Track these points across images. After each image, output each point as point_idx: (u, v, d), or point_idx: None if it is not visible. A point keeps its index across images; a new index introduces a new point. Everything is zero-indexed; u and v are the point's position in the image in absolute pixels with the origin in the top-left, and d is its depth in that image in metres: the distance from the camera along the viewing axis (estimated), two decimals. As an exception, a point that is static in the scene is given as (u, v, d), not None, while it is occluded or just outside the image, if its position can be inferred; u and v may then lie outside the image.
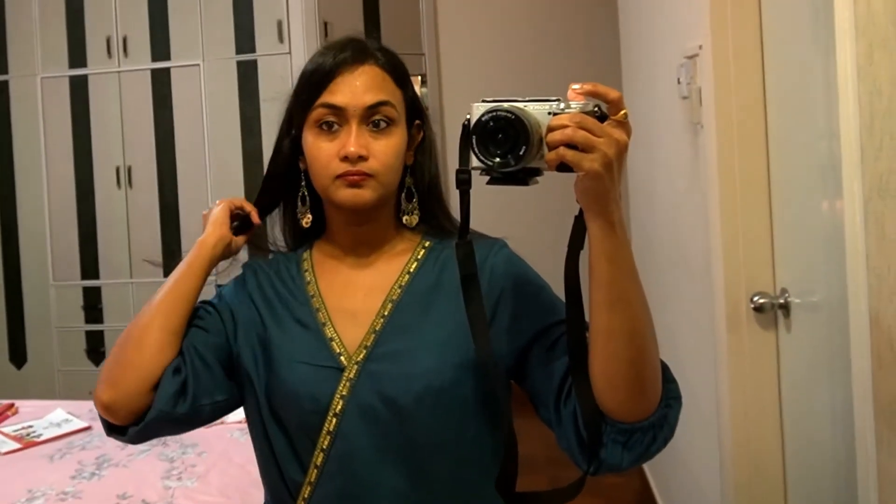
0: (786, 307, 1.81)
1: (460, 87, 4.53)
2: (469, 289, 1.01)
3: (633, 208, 3.43)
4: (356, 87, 1.09)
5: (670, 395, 1.01)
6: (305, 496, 1.09)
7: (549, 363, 1.06)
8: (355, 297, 1.15)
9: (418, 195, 1.18)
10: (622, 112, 0.88)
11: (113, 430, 1.11)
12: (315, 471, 1.08)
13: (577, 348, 0.99)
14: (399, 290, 1.14)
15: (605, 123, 0.87)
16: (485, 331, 1.01)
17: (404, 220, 1.17)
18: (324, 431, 1.07)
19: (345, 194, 1.10)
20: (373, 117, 1.10)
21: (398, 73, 1.15)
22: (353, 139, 1.08)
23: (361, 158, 1.08)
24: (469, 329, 1.04)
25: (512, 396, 1.15)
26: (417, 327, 1.11)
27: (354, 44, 1.14)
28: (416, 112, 1.18)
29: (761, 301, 1.85)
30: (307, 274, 1.19)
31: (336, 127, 1.10)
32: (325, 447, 1.07)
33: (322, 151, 1.10)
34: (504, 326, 1.11)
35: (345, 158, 1.08)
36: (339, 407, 1.07)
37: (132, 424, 1.09)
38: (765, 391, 1.90)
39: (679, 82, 2.25)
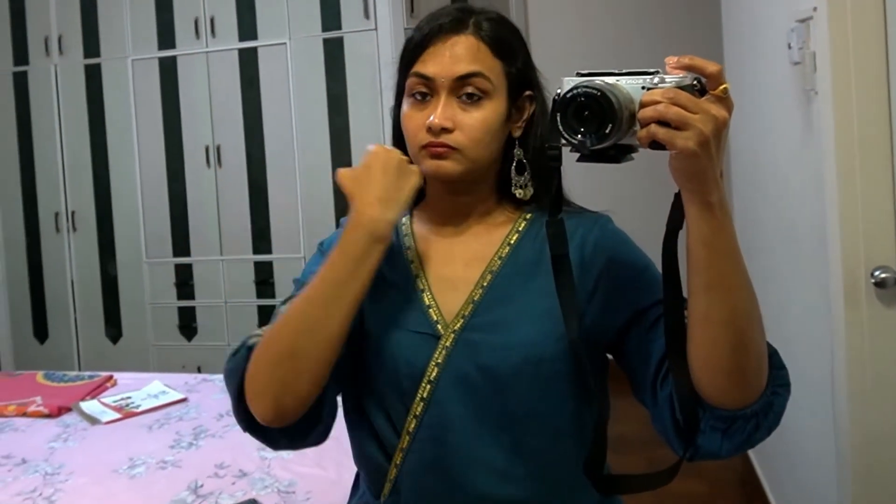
0: (911, 282, 1.71)
1: (550, 61, 4.40)
2: (559, 269, 0.98)
3: (735, 181, 3.31)
4: (446, 58, 1.06)
5: (777, 383, 0.96)
6: (398, 462, 1.07)
7: (648, 344, 1.02)
8: (455, 266, 1.13)
9: (530, 168, 1.14)
10: (722, 86, 0.83)
11: (255, 429, 1.07)
12: (407, 437, 1.07)
13: (675, 333, 0.95)
14: (499, 261, 1.11)
15: (703, 99, 0.82)
16: (574, 313, 0.98)
17: (518, 195, 1.13)
18: (417, 398, 1.06)
19: (428, 165, 1.07)
20: (464, 89, 1.06)
21: (500, 44, 1.09)
22: (438, 110, 1.05)
23: (445, 130, 1.05)
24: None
25: (608, 378, 1.12)
26: (517, 298, 1.08)
27: (456, 12, 1.09)
28: (526, 83, 1.12)
29: (883, 276, 1.76)
30: (407, 239, 1.17)
31: (428, 97, 1.07)
32: (417, 413, 1.06)
33: (412, 121, 1.08)
34: (603, 303, 1.07)
35: (429, 129, 1.05)
36: (434, 374, 1.05)
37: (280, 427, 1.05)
38: (887, 371, 1.80)
39: (790, 47, 2.15)
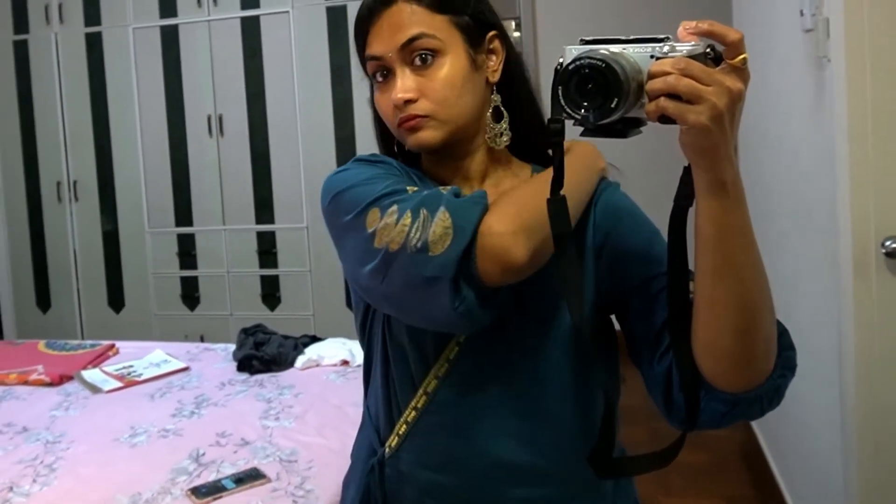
0: (922, 253, 1.69)
1: (557, 30, 4.39)
2: (562, 249, 0.90)
3: (743, 149, 3.27)
4: (385, 32, 1.02)
5: (786, 365, 0.92)
6: (409, 419, 1.06)
7: (650, 314, 0.98)
8: None
9: (511, 112, 1.08)
10: (741, 56, 0.76)
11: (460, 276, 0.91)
12: (425, 397, 1.04)
13: (679, 314, 0.90)
14: None
15: (718, 69, 0.76)
16: (578, 297, 0.91)
17: (491, 144, 1.08)
18: (442, 359, 1.03)
19: (410, 141, 1.04)
20: (413, 55, 1.02)
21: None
22: (397, 84, 1.02)
23: (409, 102, 1.01)
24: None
25: (618, 356, 1.09)
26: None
27: None
28: (483, 28, 1.07)
29: (894, 245, 1.73)
30: (433, 183, 1.11)
31: (389, 76, 1.04)
32: (440, 375, 1.03)
33: (383, 104, 1.05)
34: (611, 267, 1.04)
35: (396, 106, 1.02)
36: (463, 337, 1.02)
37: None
38: (894, 341, 1.77)
39: (802, 14, 2.10)
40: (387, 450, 1.08)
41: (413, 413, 1.05)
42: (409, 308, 0.96)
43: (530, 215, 0.90)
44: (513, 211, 0.92)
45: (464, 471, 1.04)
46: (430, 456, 1.06)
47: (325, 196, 1.04)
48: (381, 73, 1.04)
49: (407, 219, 0.92)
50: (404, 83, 1.02)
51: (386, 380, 1.08)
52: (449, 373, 1.03)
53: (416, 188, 0.99)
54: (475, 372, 1.03)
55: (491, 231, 0.90)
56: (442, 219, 0.90)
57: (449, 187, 0.97)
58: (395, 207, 0.94)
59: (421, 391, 1.05)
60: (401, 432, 1.07)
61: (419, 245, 0.90)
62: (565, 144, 0.99)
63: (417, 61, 1.02)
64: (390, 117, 1.05)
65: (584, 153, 1.06)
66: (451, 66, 1.03)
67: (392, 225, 0.93)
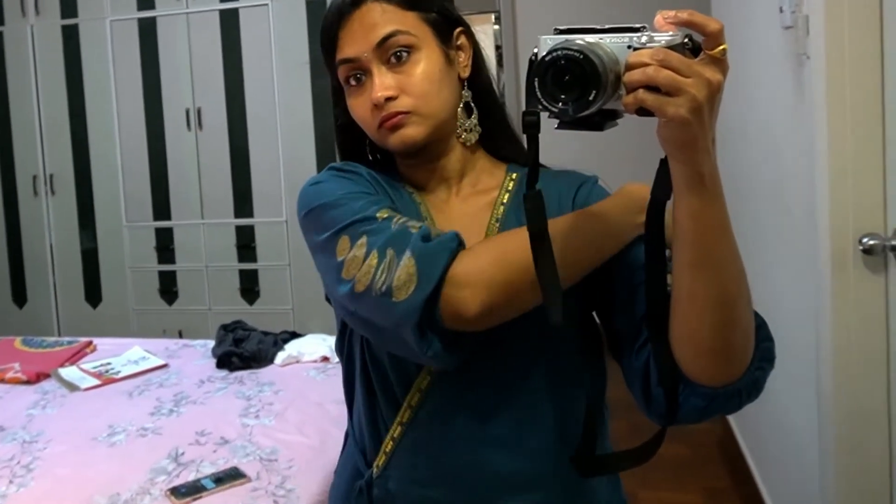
0: (898, 250, 1.70)
1: (537, 23, 4.37)
2: (539, 247, 0.87)
3: (723, 146, 3.28)
4: (358, 33, 1.01)
5: (764, 357, 0.91)
6: (395, 435, 1.04)
7: (629, 308, 0.98)
8: (451, 227, 1.04)
9: (479, 107, 1.09)
10: (721, 47, 0.75)
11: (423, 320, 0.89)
12: (409, 411, 1.02)
13: (657, 311, 0.89)
14: (497, 225, 1.06)
15: (697, 60, 0.74)
16: (556, 296, 0.88)
17: (462, 138, 1.08)
18: (423, 371, 1.01)
19: (392, 140, 1.03)
20: (389, 53, 1.01)
21: None
22: (375, 83, 1.01)
23: (390, 100, 1.01)
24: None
25: (604, 355, 1.07)
26: None
27: None
28: (451, 24, 1.08)
29: (871, 243, 1.74)
30: (407, 188, 1.10)
31: (363, 78, 1.03)
32: (423, 388, 1.02)
33: (359, 107, 1.04)
34: None
35: (376, 105, 1.01)
36: None
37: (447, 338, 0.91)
38: (871, 338, 1.78)
39: (781, 11, 2.11)
40: (374, 470, 1.06)
41: (399, 428, 1.03)
42: (382, 341, 0.97)
43: (502, 269, 0.89)
44: (483, 262, 0.90)
45: (456, 483, 1.02)
46: (419, 471, 1.04)
47: (300, 209, 1.04)
48: (355, 76, 1.03)
49: (374, 259, 0.92)
50: (383, 81, 1.01)
51: (369, 397, 1.07)
52: (432, 385, 1.01)
53: (386, 211, 0.97)
54: (459, 383, 1.01)
55: (452, 281, 0.89)
56: (407, 264, 0.89)
57: (420, 225, 0.94)
58: (363, 240, 0.93)
59: (405, 405, 1.03)
60: (388, 450, 1.05)
61: (384, 289, 0.90)
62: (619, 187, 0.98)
63: (393, 59, 1.01)
64: (369, 120, 1.03)
65: (630, 197, 1.00)
66: (427, 61, 1.03)
67: (360, 259, 0.92)
